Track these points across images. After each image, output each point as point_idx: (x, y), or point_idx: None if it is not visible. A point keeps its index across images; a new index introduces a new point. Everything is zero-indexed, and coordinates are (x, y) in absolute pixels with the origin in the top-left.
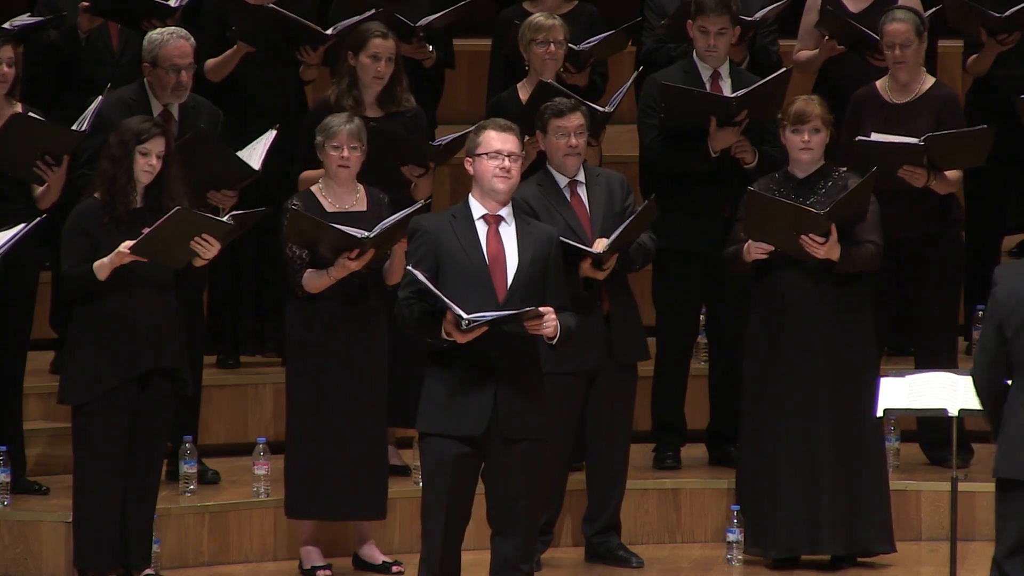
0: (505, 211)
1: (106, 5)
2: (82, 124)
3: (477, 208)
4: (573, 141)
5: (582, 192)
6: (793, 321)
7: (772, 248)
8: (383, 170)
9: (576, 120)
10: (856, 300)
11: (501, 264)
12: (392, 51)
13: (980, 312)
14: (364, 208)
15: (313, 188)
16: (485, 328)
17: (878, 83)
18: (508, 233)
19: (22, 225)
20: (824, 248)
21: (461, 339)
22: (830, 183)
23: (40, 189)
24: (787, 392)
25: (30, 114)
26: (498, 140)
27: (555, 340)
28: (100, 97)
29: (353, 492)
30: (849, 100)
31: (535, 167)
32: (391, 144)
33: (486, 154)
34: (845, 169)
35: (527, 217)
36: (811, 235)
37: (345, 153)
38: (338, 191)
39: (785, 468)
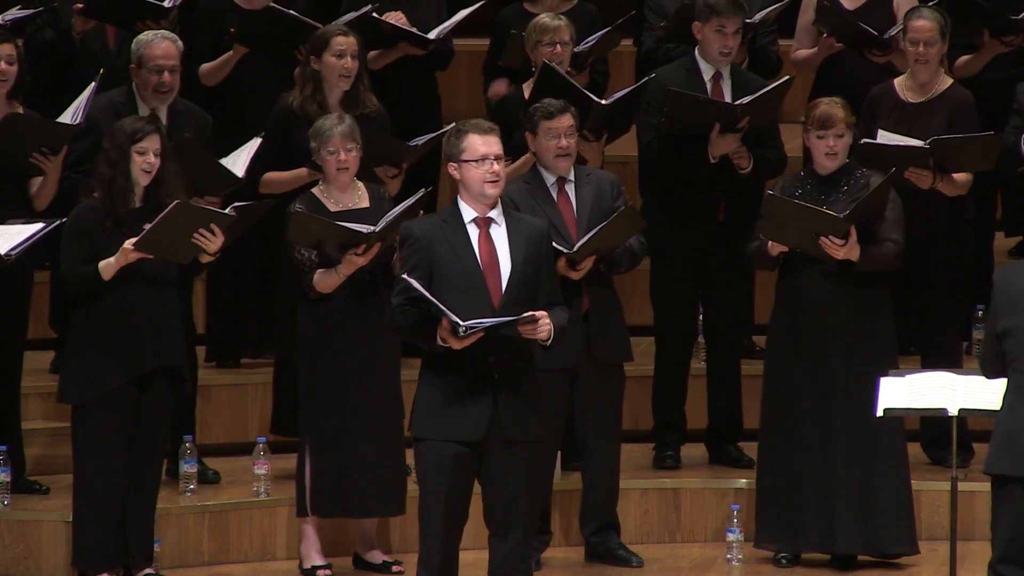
0: (495, 212)
1: (100, 7)
2: (76, 116)
3: (467, 211)
4: (563, 142)
5: (570, 190)
6: (812, 320)
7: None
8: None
9: (566, 121)
10: (877, 301)
11: (495, 268)
12: (356, 47)
13: (980, 312)
14: (367, 205)
15: (314, 190)
16: (481, 334)
17: (895, 81)
18: (499, 234)
19: (41, 225)
20: (844, 249)
21: (457, 346)
22: (852, 181)
23: (37, 185)
24: (805, 390)
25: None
26: (483, 145)
27: (548, 341)
28: (93, 84)
29: (373, 489)
30: (862, 98)
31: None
32: (367, 145)
33: (473, 161)
34: (865, 170)
35: (515, 212)
36: (831, 236)
37: (342, 156)
38: (339, 190)
39: (802, 466)
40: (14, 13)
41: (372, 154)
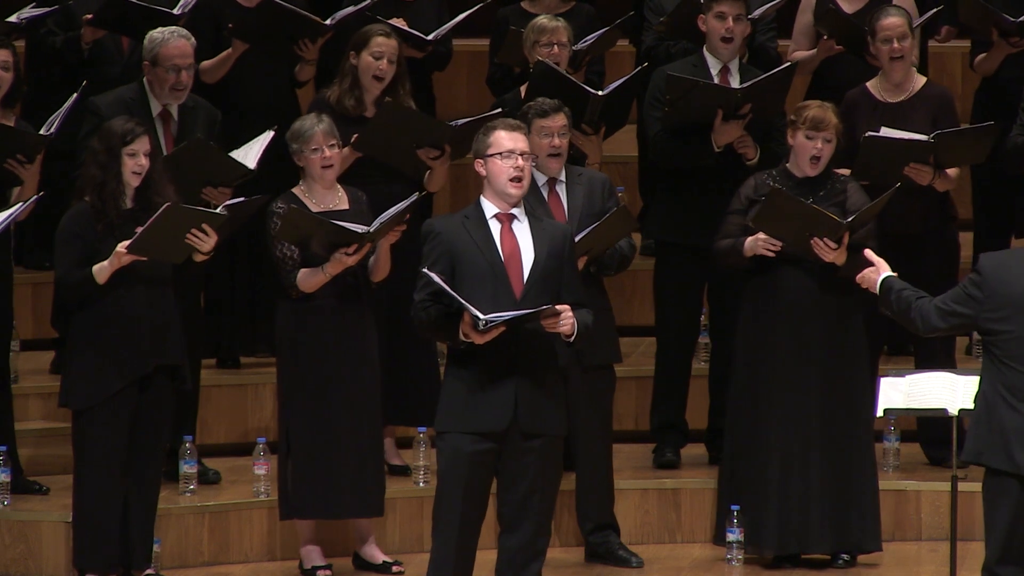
0: (517, 209)
1: (110, 17)
2: (50, 127)
3: (489, 208)
4: (556, 141)
5: (561, 191)
6: (787, 319)
7: (780, 247)
8: (399, 153)
9: (559, 121)
10: (850, 302)
11: (517, 261)
12: (395, 51)
13: None
14: (347, 207)
15: (295, 190)
16: (502, 328)
17: (869, 84)
18: (522, 230)
19: (19, 204)
20: (834, 253)
21: (479, 340)
22: (829, 186)
23: (15, 193)
24: (778, 390)
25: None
26: (509, 140)
27: (572, 338)
28: (74, 96)
29: (352, 490)
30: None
31: None
32: (407, 123)
33: (499, 154)
34: (842, 173)
35: (538, 214)
36: (825, 239)
37: (326, 153)
38: (320, 191)
39: (776, 466)
40: (29, 11)
41: (413, 136)
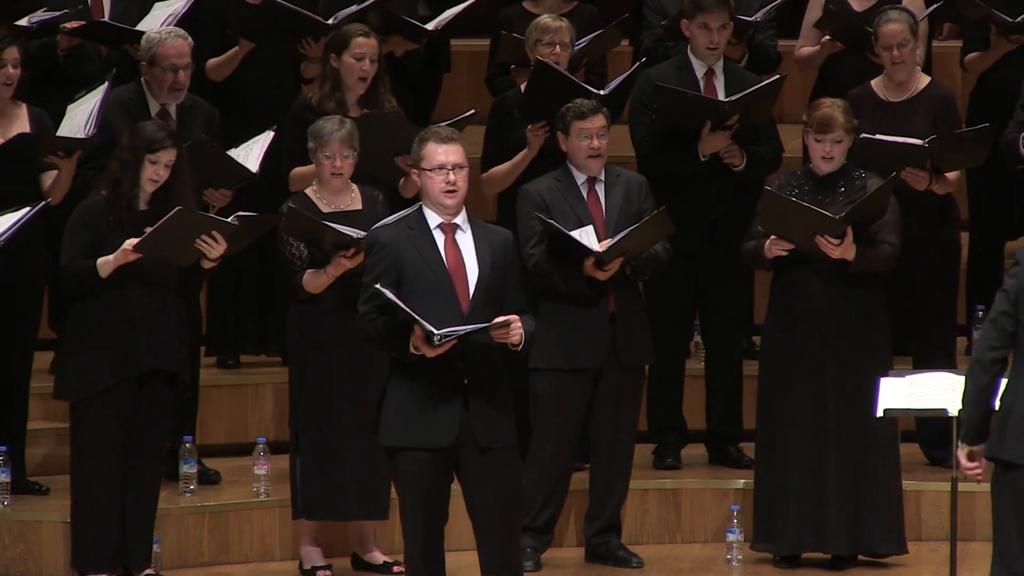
0: (460, 218)
1: (87, 30)
2: (90, 128)
3: (432, 217)
4: (595, 143)
5: (600, 190)
6: (808, 319)
7: (793, 246)
8: (377, 161)
9: (598, 122)
10: (872, 301)
11: (462, 274)
12: (375, 50)
13: (980, 313)
14: (360, 207)
15: (307, 190)
16: (454, 342)
17: (872, 82)
18: (465, 241)
19: (26, 209)
20: (839, 249)
21: (431, 354)
22: (849, 183)
23: (50, 180)
24: (799, 389)
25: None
26: (440, 153)
27: (520, 346)
28: (104, 90)
29: (359, 492)
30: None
31: (545, 159)
32: (385, 131)
33: (430, 170)
34: (863, 172)
35: (481, 222)
36: (827, 236)
37: (338, 162)
38: (331, 192)
39: (796, 465)
40: (39, 15)
41: (391, 142)
